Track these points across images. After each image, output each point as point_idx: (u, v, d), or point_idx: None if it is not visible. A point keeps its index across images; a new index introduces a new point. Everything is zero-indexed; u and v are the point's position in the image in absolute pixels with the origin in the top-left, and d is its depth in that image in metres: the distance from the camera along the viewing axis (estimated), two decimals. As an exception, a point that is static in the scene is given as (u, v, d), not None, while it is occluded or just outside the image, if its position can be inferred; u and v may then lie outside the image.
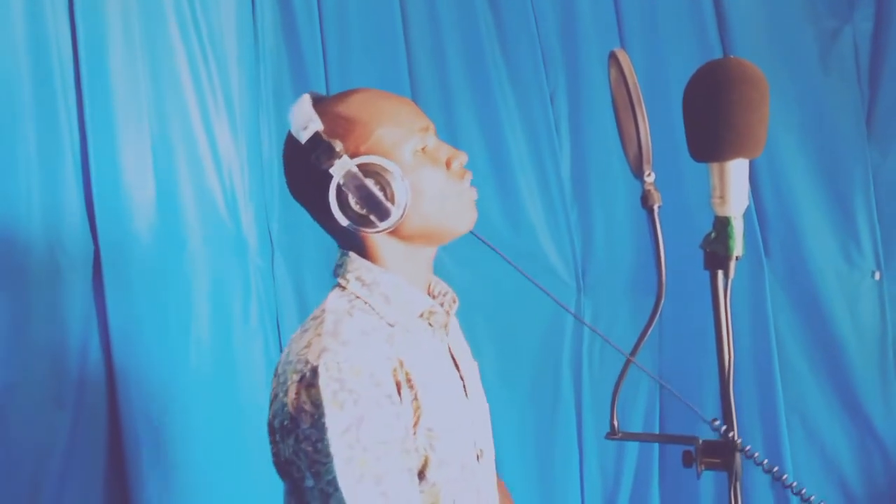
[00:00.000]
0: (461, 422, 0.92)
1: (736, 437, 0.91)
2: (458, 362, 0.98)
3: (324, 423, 0.78)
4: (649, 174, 0.83)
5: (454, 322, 1.05)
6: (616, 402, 0.98)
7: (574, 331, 1.82)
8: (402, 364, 0.85)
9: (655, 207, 0.83)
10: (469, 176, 0.94)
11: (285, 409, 0.81)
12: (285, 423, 0.81)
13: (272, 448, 0.86)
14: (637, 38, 1.71)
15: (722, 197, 0.85)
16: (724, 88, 0.81)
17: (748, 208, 1.55)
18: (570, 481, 1.84)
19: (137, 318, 1.58)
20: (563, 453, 1.84)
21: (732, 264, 0.88)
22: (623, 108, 0.84)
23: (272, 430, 0.85)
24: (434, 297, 0.99)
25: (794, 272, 1.73)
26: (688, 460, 0.95)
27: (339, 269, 0.93)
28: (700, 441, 0.94)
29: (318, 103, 0.90)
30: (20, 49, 1.43)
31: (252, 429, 1.68)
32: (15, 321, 1.40)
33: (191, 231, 1.67)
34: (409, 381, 0.85)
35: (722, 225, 0.87)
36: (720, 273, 0.89)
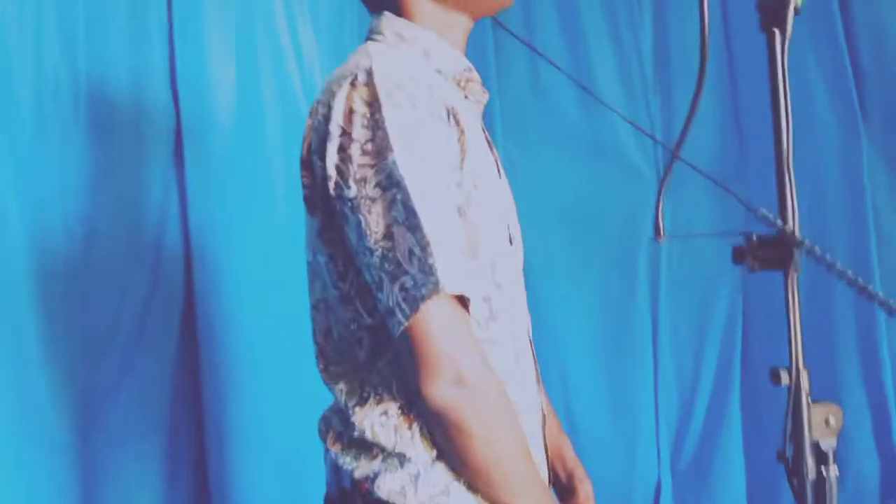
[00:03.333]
0: (497, 194, 0.88)
1: (789, 228, 0.81)
2: (491, 143, 0.94)
3: (379, 119, 0.74)
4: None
5: None
6: (662, 200, 0.90)
7: (652, 232, 1.71)
8: (447, 98, 0.81)
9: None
10: None
11: (329, 121, 0.77)
12: (329, 134, 0.76)
13: (304, 182, 0.82)
14: None
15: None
16: None
17: (842, 63, 1.41)
18: (644, 395, 1.74)
19: (215, 196, 1.62)
20: (637, 366, 1.74)
21: (790, 15, 0.79)
22: None
23: (305, 163, 0.82)
24: None
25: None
26: (739, 256, 0.86)
27: (372, 31, 0.90)
28: (754, 235, 0.85)
29: None
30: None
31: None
32: (99, 174, 1.48)
33: (269, 119, 1.71)
34: (455, 115, 0.81)
35: (778, -28, 0.78)
36: (776, 32, 0.80)
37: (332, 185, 0.77)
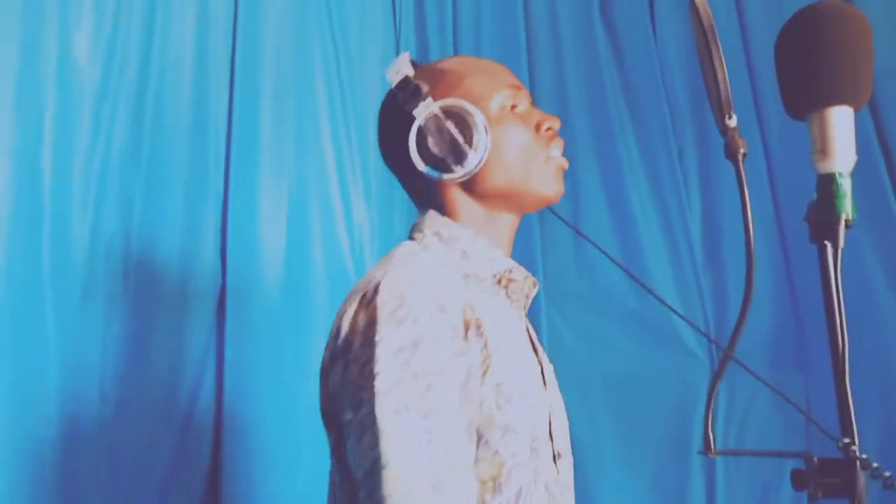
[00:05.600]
0: (538, 406, 0.83)
1: (857, 450, 0.74)
2: (538, 349, 0.90)
3: (375, 341, 0.72)
4: (730, 117, 0.75)
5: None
6: (711, 410, 0.84)
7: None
8: (472, 308, 0.79)
9: (740, 155, 0.75)
10: (560, 143, 0.90)
11: (340, 333, 0.76)
12: (337, 347, 0.76)
13: (321, 393, 0.81)
14: (770, 90, 1.62)
15: (823, 150, 0.75)
16: (817, 26, 0.74)
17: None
18: None
19: (253, 359, 1.61)
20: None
21: (841, 229, 0.75)
22: (705, 57, 0.78)
23: (322, 373, 0.81)
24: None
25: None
26: (799, 481, 0.78)
27: (414, 228, 0.91)
28: (815, 458, 0.78)
29: (417, 63, 0.93)
30: (184, 102, 1.60)
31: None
32: (139, 339, 1.48)
33: (317, 285, 1.72)
34: (479, 326, 0.78)
35: (825, 183, 0.75)
36: (828, 245, 0.76)
37: (335, 404, 0.76)
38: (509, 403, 0.77)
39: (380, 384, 0.71)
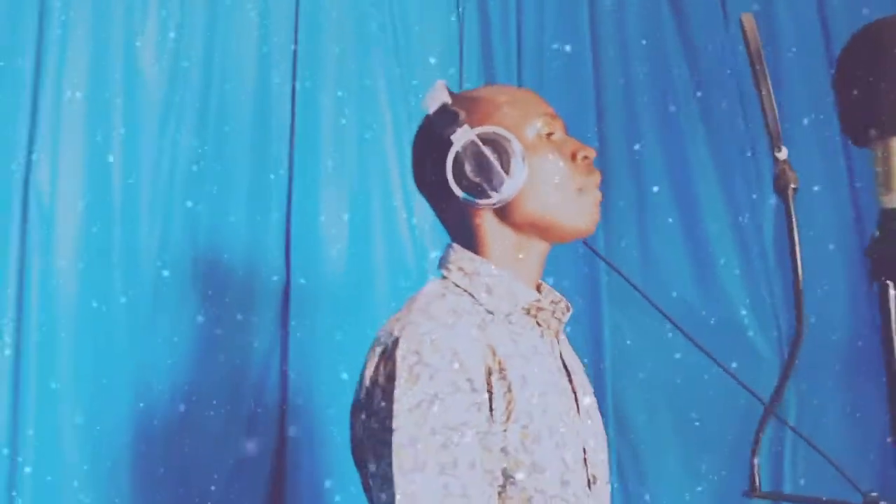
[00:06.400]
0: (570, 436, 0.83)
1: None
2: (572, 375, 0.90)
3: (394, 397, 0.74)
4: (779, 149, 0.70)
5: (566, 340, 0.98)
6: (757, 455, 0.80)
7: (775, 423, 1.54)
8: (494, 352, 0.80)
9: (790, 189, 0.70)
10: (597, 176, 0.89)
11: (363, 385, 0.80)
12: (360, 398, 0.80)
13: (350, 434, 0.84)
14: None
15: (886, 184, 0.69)
16: (882, 44, 0.67)
17: None
18: None
19: (317, 355, 1.65)
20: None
21: (906, 270, 0.69)
22: (755, 83, 0.73)
23: (351, 413, 0.84)
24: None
25: None
26: (852, 532, 0.74)
27: (441, 262, 0.92)
28: (867, 507, 0.73)
29: (453, 92, 0.92)
30: (247, 105, 1.63)
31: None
32: (207, 337, 1.54)
33: (379, 283, 1.74)
34: (501, 370, 0.79)
35: (889, 219, 0.69)
36: (890, 284, 0.71)
37: (361, 450, 0.79)
38: (537, 444, 0.78)
39: (397, 440, 0.73)
